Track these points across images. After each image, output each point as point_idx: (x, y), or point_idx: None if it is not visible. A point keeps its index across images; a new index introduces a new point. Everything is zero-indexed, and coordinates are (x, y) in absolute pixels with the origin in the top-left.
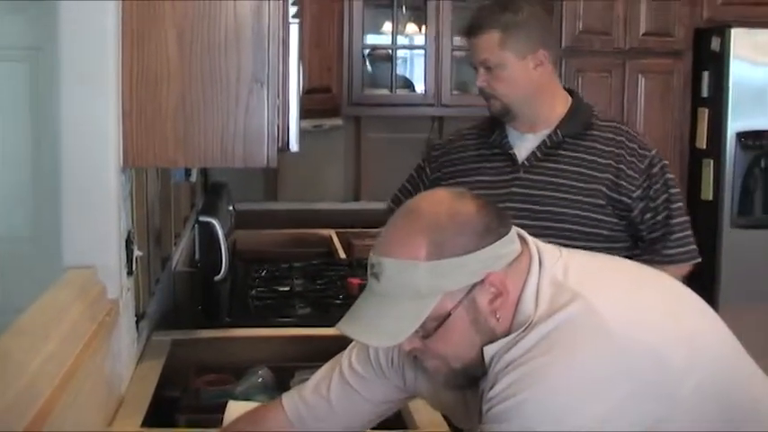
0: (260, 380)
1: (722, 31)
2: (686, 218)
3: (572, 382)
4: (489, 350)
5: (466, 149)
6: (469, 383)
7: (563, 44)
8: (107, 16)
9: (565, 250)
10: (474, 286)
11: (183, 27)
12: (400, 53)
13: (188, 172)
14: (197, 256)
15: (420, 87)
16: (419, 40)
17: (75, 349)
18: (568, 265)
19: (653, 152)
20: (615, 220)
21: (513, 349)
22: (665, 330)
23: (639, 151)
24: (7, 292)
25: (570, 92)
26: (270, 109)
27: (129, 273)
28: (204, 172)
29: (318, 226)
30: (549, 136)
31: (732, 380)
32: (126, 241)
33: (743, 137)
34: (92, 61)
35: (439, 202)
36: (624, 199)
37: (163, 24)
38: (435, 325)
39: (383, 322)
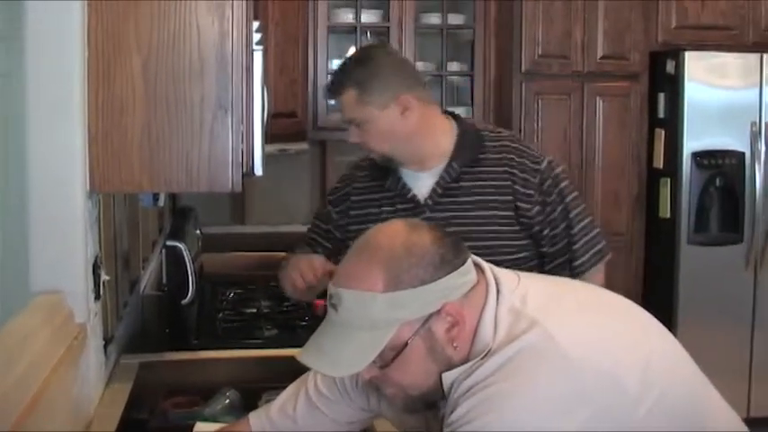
0: (228, 401)
1: (677, 54)
2: (587, 221)
3: (532, 406)
4: (448, 377)
5: (366, 192)
6: (427, 407)
7: (522, 68)
8: (73, 45)
9: (523, 275)
10: (431, 316)
11: (148, 55)
12: None
13: (156, 197)
14: (164, 280)
15: None
16: None
17: (42, 374)
18: (527, 292)
19: (544, 164)
20: (525, 242)
21: (472, 376)
22: (621, 355)
23: (530, 165)
24: None
25: (453, 116)
26: (234, 134)
27: (97, 297)
28: (172, 196)
29: (285, 249)
30: (447, 170)
31: (685, 401)
32: (93, 266)
33: (698, 156)
34: (58, 89)
35: (395, 234)
36: (523, 220)
37: (128, 53)
38: (393, 355)
39: (342, 353)
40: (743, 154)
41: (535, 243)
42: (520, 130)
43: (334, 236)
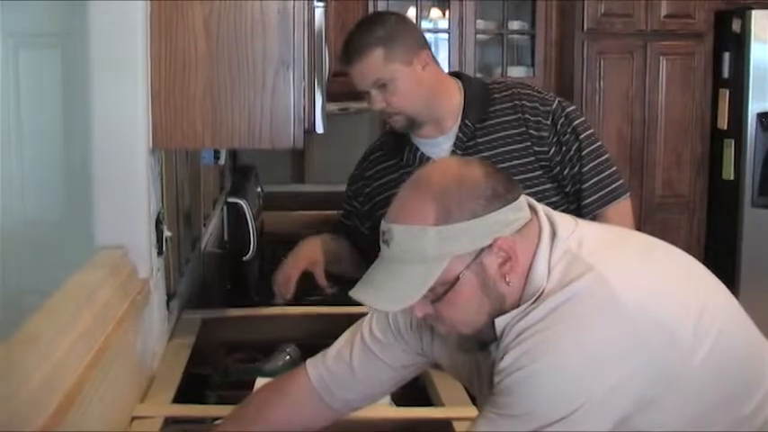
0: (288, 357)
1: (742, 13)
2: (600, 159)
3: (583, 353)
4: (500, 321)
5: (384, 174)
6: (481, 347)
7: (585, 27)
8: (136, 2)
9: (581, 221)
10: (482, 250)
11: (210, 11)
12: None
13: (217, 154)
14: (226, 237)
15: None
16: (443, 24)
17: (106, 328)
18: (583, 237)
19: (554, 104)
20: (549, 186)
21: (523, 320)
22: (676, 305)
23: (541, 108)
24: (40, 276)
25: (456, 75)
26: (296, 91)
27: (160, 253)
28: (233, 155)
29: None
30: (461, 130)
31: (739, 353)
32: (156, 222)
33: (763, 117)
34: (120, 46)
35: (447, 169)
36: (543, 163)
37: (190, 9)
38: (444, 289)
39: (392, 287)
40: None
41: (559, 186)
42: (582, 90)
43: (358, 226)
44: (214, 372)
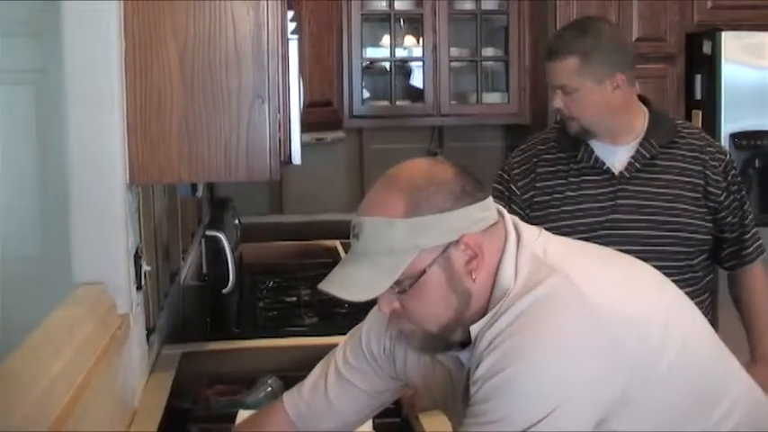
0: (269, 389)
1: (713, 35)
2: (752, 216)
3: (553, 353)
4: (474, 328)
5: (554, 164)
6: (446, 348)
7: None
8: (110, 38)
9: (544, 231)
10: (449, 245)
11: (185, 46)
12: (413, 64)
13: (194, 187)
14: (204, 270)
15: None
16: (417, 51)
17: (86, 364)
18: (547, 245)
19: (728, 156)
20: (709, 225)
21: (494, 326)
22: (644, 304)
23: (718, 155)
24: (18, 312)
25: (644, 101)
26: (271, 123)
27: (139, 287)
28: (210, 187)
29: (323, 237)
30: (644, 146)
31: (706, 358)
32: (134, 257)
33: (737, 137)
34: (96, 82)
35: (417, 166)
36: (711, 204)
37: (165, 44)
38: (411, 282)
39: (360, 278)
40: None
41: (717, 228)
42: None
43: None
44: (195, 405)
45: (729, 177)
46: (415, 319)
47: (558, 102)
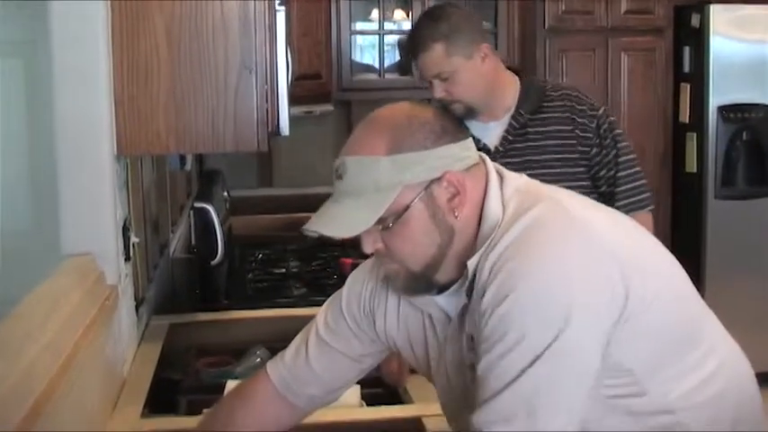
0: (258, 359)
1: (701, 8)
2: (635, 169)
3: (553, 271)
4: (471, 263)
5: None
6: (427, 289)
7: (546, 25)
8: (97, 10)
9: (524, 174)
10: (432, 182)
11: (172, 18)
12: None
13: (183, 160)
14: (193, 242)
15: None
16: (407, 25)
17: (74, 335)
18: (529, 182)
19: (600, 110)
20: (588, 183)
21: (489, 256)
22: (629, 234)
23: (589, 112)
24: (8, 286)
25: (515, 71)
26: (258, 94)
27: (127, 259)
28: (199, 160)
29: (313, 210)
30: (514, 117)
31: (692, 312)
32: (123, 228)
33: (724, 110)
34: (83, 54)
35: (397, 107)
36: (584, 162)
37: (151, 16)
38: (394, 218)
39: (344, 216)
40: None
41: (595, 186)
42: None
43: None
44: (185, 376)
45: (602, 132)
46: (398, 258)
47: (438, 91)
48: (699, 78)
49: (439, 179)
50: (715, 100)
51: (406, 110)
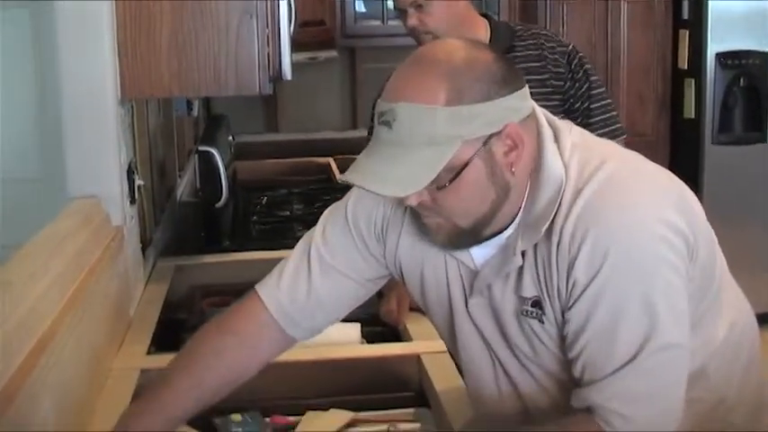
0: None
1: None
2: (606, 101)
3: (643, 228)
4: (544, 228)
5: None
6: (472, 244)
7: None
8: None
9: (573, 124)
10: (492, 136)
11: None
12: None
13: (190, 106)
14: (198, 185)
15: None
16: None
17: (79, 274)
18: (582, 133)
19: (570, 46)
20: (562, 117)
21: (568, 220)
22: (682, 185)
23: (558, 48)
24: (17, 233)
25: (485, 15)
26: (260, 39)
27: (132, 201)
28: (206, 106)
29: (317, 155)
30: None
31: (714, 259)
32: (128, 171)
33: (722, 57)
34: (87, 1)
35: (455, 48)
36: (557, 96)
37: None
38: (451, 176)
39: (397, 171)
40: (767, 54)
41: (570, 119)
42: None
43: None
44: (190, 316)
45: (573, 67)
46: (446, 214)
47: (412, 20)
48: (697, 25)
49: (499, 133)
50: (713, 46)
51: (465, 52)
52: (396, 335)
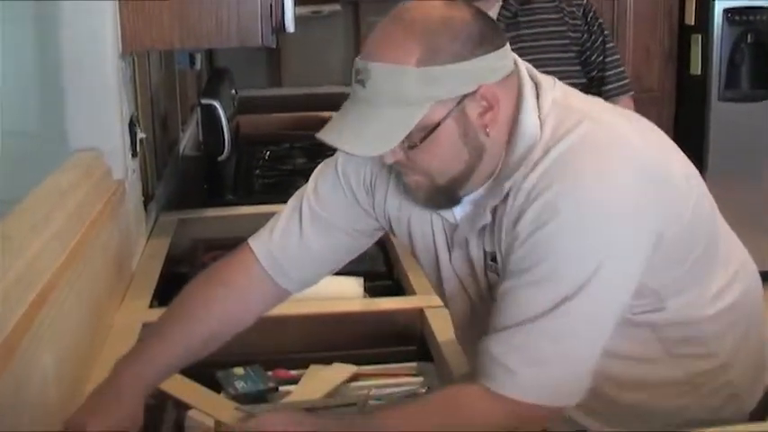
0: None
1: None
2: (617, 56)
3: (597, 202)
4: (508, 184)
5: None
6: (449, 203)
7: None
8: None
9: (556, 78)
10: (465, 97)
11: None
12: None
13: (192, 59)
14: (200, 138)
15: None
16: None
17: (80, 227)
18: (566, 90)
19: (585, 1)
20: (579, 68)
21: (530, 176)
22: (665, 150)
23: (575, 2)
24: (16, 187)
25: None
26: None
27: (134, 155)
28: (209, 59)
29: (321, 109)
30: (504, 8)
31: (712, 217)
32: (129, 124)
33: (730, 13)
34: None
35: (431, 5)
36: (575, 47)
37: None
38: (422, 135)
39: (368, 130)
40: None
41: (587, 71)
42: None
43: None
44: (192, 270)
45: (589, 19)
46: (422, 172)
47: None
48: None
49: (473, 94)
50: (720, 2)
51: (442, 10)
52: (399, 289)
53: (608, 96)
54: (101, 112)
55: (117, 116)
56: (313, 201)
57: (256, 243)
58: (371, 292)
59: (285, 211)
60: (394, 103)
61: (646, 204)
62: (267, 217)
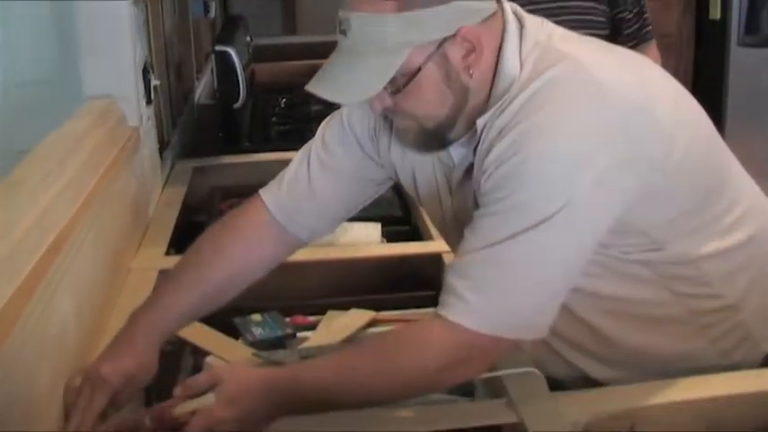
0: None
1: None
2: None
3: (571, 134)
4: (480, 121)
5: None
6: (440, 146)
7: None
8: None
9: (545, 19)
10: (445, 40)
11: None
12: None
13: (206, 7)
14: (215, 86)
15: None
16: None
17: (95, 174)
18: (552, 31)
19: None
20: (603, 18)
21: (503, 114)
22: (652, 89)
23: None
24: (31, 136)
25: None
26: None
27: (149, 101)
28: (224, 7)
29: None
30: None
31: (713, 153)
32: (143, 71)
33: None
34: None
35: None
36: (603, 7)
37: None
38: (405, 81)
39: (351, 78)
40: None
41: (616, 30)
42: None
43: None
44: (208, 218)
45: None
46: (409, 117)
47: None
48: None
49: (453, 36)
50: None
51: None
52: (416, 234)
53: (631, 39)
54: (114, 59)
55: (131, 62)
56: (321, 150)
57: (266, 192)
58: (388, 236)
59: (294, 163)
60: (375, 50)
61: (615, 144)
62: (283, 164)
